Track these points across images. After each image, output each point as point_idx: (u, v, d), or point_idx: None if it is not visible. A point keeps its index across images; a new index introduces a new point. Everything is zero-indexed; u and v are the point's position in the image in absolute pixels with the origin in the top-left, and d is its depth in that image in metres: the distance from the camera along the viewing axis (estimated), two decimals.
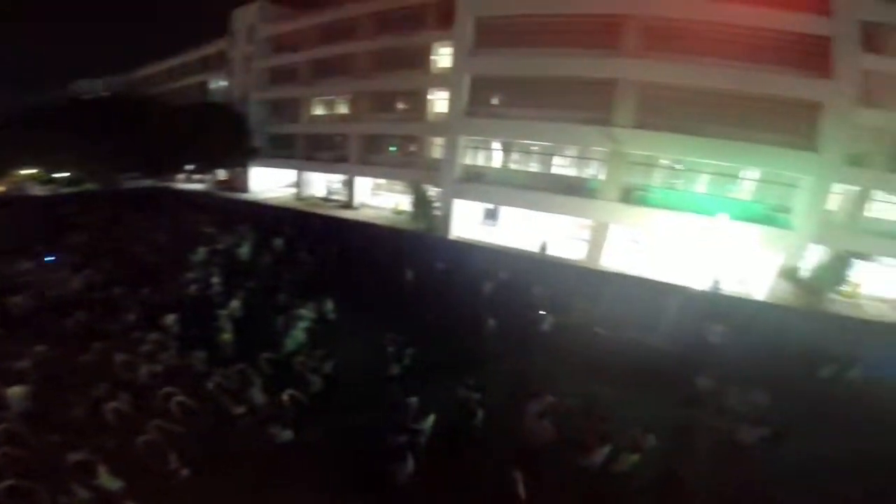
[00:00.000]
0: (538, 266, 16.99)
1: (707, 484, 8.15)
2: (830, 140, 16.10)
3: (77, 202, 26.37)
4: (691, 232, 17.43)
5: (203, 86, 39.32)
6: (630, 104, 17.71)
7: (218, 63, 37.16)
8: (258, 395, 8.94)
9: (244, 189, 33.39)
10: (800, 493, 8.19)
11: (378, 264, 17.00)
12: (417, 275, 16.11)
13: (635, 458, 8.05)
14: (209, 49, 38.34)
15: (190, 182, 36.23)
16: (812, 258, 18.41)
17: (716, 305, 14.50)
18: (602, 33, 18.13)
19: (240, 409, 8.65)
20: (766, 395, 10.21)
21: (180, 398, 8.54)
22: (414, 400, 8.77)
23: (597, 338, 13.56)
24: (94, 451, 7.15)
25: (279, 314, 12.47)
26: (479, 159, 21.75)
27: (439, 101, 24.62)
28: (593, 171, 19.56)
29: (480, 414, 8.90)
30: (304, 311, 12.52)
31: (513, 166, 21.11)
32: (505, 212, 23.72)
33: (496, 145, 21.57)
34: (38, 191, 30.44)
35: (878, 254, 18.58)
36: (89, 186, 30.99)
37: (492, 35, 20.15)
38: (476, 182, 20.99)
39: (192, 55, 40.83)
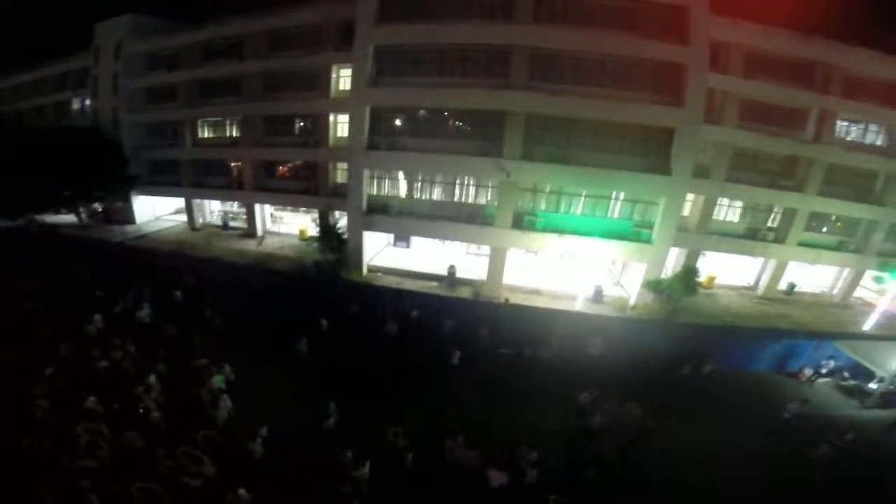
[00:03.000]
0: (444, 301, 18.17)
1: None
2: (681, 161, 18.56)
3: None
4: (573, 250, 19.45)
5: (63, 106, 34.36)
6: (517, 136, 18.98)
7: (79, 80, 32.56)
8: (208, 468, 9.54)
9: (128, 220, 30.02)
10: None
11: (291, 314, 16.77)
12: (333, 322, 16.39)
13: (534, 473, 10.00)
14: (66, 65, 33.40)
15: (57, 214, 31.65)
16: (674, 261, 21.64)
17: (594, 322, 17.15)
18: (493, 64, 19.03)
19: (196, 482, 9.15)
20: (638, 406, 12.52)
21: (140, 484, 8.68)
22: (350, 453, 9.77)
23: (502, 358, 15.76)
24: None
25: (199, 384, 12.28)
26: (385, 188, 21.88)
27: (341, 125, 24.23)
28: (490, 196, 20.71)
29: (409, 457, 10.26)
30: (219, 379, 12.56)
31: (417, 195, 21.62)
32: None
33: (400, 174, 21.78)
34: None
35: (724, 251, 22.26)
36: None
37: (391, 64, 20.14)
38: (382, 214, 21.14)
39: (46, 71, 35.30)
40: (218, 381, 12.60)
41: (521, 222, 19.75)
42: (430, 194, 21.48)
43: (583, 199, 19.82)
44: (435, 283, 21.30)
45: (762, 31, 19.90)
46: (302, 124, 25.81)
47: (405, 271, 22.22)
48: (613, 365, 15.12)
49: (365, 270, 22.01)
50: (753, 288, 23.60)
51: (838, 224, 22.68)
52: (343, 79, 23.78)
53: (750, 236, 22.06)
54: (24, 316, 15.89)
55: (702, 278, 22.35)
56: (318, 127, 24.80)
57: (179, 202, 31.02)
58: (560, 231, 19.35)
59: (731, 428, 12.68)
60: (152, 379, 12.32)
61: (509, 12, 18.38)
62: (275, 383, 13.04)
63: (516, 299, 20.13)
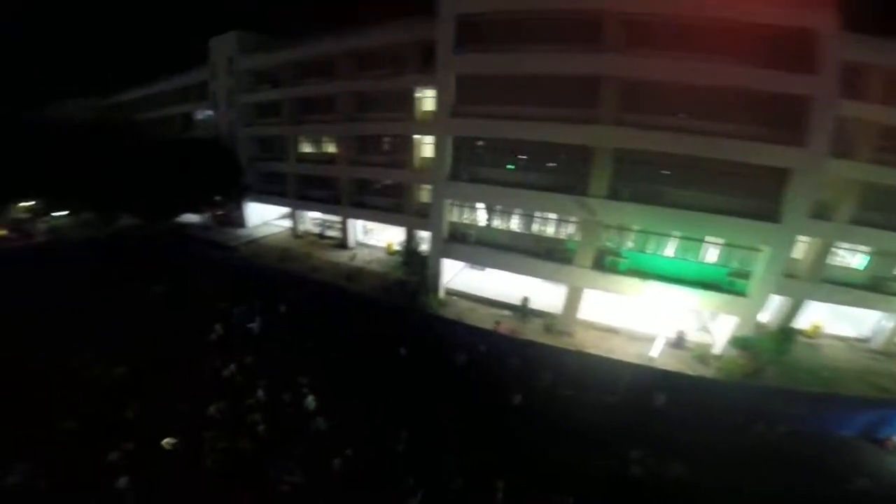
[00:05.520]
0: (509, 340, 18.63)
1: None
2: (796, 207, 16.42)
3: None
4: (657, 297, 18.71)
5: (188, 116, 39.05)
6: (605, 172, 18.20)
7: (199, 93, 36.64)
8: (298, 478, 12.11)
9: (241, 224, 34.33)
10: None
11: (374, 337, 18.83)
12: (410, 351, 18.06)
13: None
14: (188, 78, 37.49)
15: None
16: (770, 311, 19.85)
17: (665, 377, 16.40)
18: (582, 92, 18.09)
19: (286, 489, 11.83)
20: (682, 465, 12.99)
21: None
22: (411, 480, 11.55)
23: (564, 399, 16.07)
24: None
25: (296, 401, 14.78)
26: (464, 216, 22.49)
27: (426, 145, 25.01)
28: (571, 230, 20.32)
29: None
30: (311, 400, 14.73)
31: (496, 224, 21.95)
32: None
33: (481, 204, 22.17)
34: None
35: (838, 302, 19.80)
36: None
37: (474, 91, 19.96)
38: (461, 243, 21.91)
39: (171, 83, 39.93)
40: (309, 402, 14.72)
41: (603, 262, 19.31)
42: (509, 224, 21.68)
43: (673, 240, 18.79)
44: (507, 313, 21.98)
45: None
46: (389, 144, 26.96)
47: (480, 297, 23.15)
48: (678, 416, 14.95)
49: (442, 293, 23.25)
50: (867, 340, 20.91)
51: None
52: (427, 99, 24.31)
53: (872, 287, 19.39)
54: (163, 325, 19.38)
55: (806, 326, 20.59)
56: (405, 147, 25.72)
57: (284, 209, 34.53)
58: (644, 275, 18.67)
59: (791, 496, 12.27)
60: (260, 393, 14.89)
61: (599, 40, 17.31)
62: (356, 405, 14.89)
63: (590, 337, 20.20)
